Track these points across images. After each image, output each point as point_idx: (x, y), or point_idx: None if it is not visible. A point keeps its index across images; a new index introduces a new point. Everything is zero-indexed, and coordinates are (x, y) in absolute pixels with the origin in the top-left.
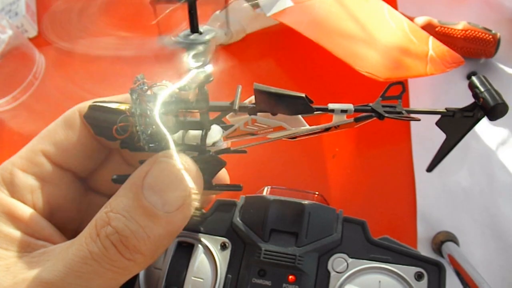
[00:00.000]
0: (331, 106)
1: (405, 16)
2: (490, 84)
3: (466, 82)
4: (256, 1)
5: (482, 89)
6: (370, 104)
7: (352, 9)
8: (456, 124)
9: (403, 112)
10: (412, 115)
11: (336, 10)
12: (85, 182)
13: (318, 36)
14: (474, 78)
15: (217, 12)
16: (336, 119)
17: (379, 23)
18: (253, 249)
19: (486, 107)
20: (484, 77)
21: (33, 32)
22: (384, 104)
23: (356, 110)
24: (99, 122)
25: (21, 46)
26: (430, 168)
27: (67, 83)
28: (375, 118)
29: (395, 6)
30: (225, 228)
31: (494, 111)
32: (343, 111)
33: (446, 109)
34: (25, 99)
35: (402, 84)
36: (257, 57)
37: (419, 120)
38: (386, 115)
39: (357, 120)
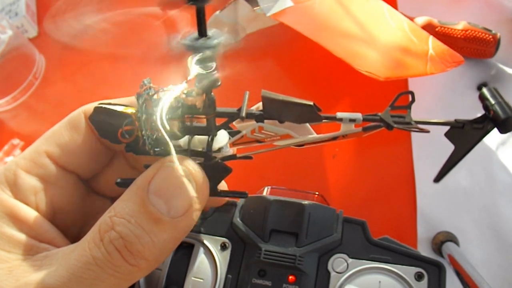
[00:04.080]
0: (339, 115)
1: (405, 16)
2: (501, 96)
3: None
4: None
5: (493, 102)
6: (379, 114)
7: (352, 9)
8: (465, 136)
9: (412, 122)
10: (421, 127)
11: (336, 10)
12: (88, 184)
13: (318, 36)
14: (484, 90)
15: (217, 12)
16: (344, 128)
17: (379, 23)
18: (253, 249)
19: (497, 120)
20: (495, 89)
21: (33, 33)
22: (393, 114)
23: (364, 120)
24: (104, 124)
25: (21, 46)
26: (437, 179)
27: (67, 83)
28: (383, 128)
29: (395, 6)
30: (225, 228)
31: (505, 124)
32: (352, 120)
33: (455, 120)
34: (25, 99)
35: (412, 94)
36: (257, 57)
37: (428, 131)
38: (395, 125)
39: (365, 129)
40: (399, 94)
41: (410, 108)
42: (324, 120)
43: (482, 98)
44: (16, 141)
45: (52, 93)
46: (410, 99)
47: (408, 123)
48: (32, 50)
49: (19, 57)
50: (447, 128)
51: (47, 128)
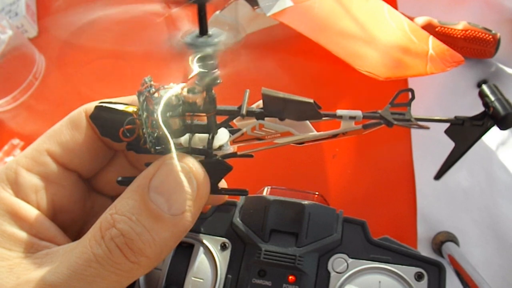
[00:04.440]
0: (339, 112)
1: (405, 16)
2: (500, 93)
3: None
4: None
5: (493, 98)
6: (379, 111)
7: (352, 9)
8: (465, 133)
9: (412, 119)
10: (421, 123)
11: (336, 10)
12: (89, 183)
13: (318, 36)
14: (484, 87)
15: (217, 12)
16: (344, 125)
17: (379, 22)
18: (253, 250)
19: (497, 117)
20: (495, 85)
21: (33, 32)
22: (393, 111)
23: (364, 117)
24: (105, 123)
25: (21, 46)
26: (437, 176)
27: (67, 83)
28: (383, 125)
29: (395, 6)
30: (225, 228)
31: (505, 120)
32: (352, 118)
33: (455, 117)
34: (25, 99)
35: (412, 91)
36: (257, 56)
37: (428, 128)
38: (395, 122)
39: (365, 127)
40: (399, 92)
41: (410, 105)
42: (324, 118)
43: (482, 95)
44: (16, 141)
45: (52, 93)
46: (410, 96)
47: (408, 120)
48: (32, 50)
49: (19, 57)
50: (447, 126)
51: (47, 128)
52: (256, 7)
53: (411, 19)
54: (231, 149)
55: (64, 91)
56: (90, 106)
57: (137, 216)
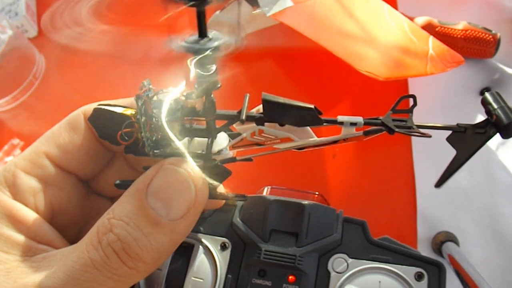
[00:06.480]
0: (340, 118)
1: (405, 16)
2: (504, 101)
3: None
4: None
5: (496, 106)
6: (380, 118)
7: (352, 9)
8: (467, 140)
9: (414, 127)
10: (423, 131)
11: (336, 10)
12: (87, 185)
13: (318, 36)
14: (487, 95)
15: (217, 12)
16: (345, 131)
17: (379, 23)
18: (253, 249)
19: (500, 125)
20: (498, 93)
21: (33, 32)
22: (394, 118)
23: (365, 123)
24: (103, 126)
25: (21, 46)
26: (438, 184)
27: (67, 83)
28: (385, 132)
29: (395, 6)
30: (225, 228)
31: (508, 129)
32: (353, 124)
33: (457, 125)
34: (25, 99)
35: (414, 97)
36: (257, 59)
37: (430, 136)
38: (397, 129)
39: (366, 133)
40: (401, 98)
41: (412, 112)
42: (324, 124)
43: (485, 102)
44: (16, 141)
45: (52, 93)
46: (412, 103)
47: (409, 127)
48: (32, 50)
49: (19, 57)
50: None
51: (47, 128)
52: (256, 7)
53: (411, 19)
54: (230, 153)
55: (64, 91)
56: (89, 108)
57: (135, 221)
